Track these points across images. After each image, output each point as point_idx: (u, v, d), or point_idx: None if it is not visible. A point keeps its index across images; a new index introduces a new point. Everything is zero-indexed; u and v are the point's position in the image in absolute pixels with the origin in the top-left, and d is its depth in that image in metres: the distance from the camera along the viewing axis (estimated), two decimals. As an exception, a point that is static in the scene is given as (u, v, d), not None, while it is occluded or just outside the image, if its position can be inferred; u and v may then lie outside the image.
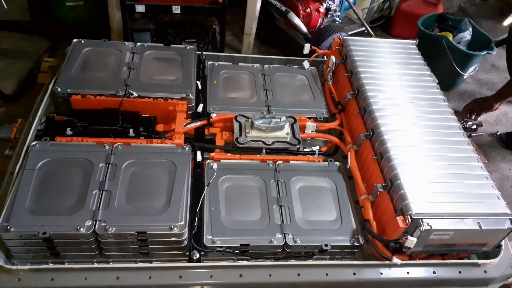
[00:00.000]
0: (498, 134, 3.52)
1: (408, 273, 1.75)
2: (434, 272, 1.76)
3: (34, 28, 3.54)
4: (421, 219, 1.62)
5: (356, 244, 1.78)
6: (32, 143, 1.88)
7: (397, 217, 1.67)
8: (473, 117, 3.34)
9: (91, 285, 1.58)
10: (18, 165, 1.81)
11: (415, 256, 1.82)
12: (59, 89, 2.11)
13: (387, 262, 1.74)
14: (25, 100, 2.93)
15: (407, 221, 1.64)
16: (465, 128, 2.15)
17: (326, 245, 1.74)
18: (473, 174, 1.86)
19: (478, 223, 1.66)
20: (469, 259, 1.90)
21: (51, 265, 1.68)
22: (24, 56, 3.30)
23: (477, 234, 1.68)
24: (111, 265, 1.71)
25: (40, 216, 1.63)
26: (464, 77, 3.67)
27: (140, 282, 1.60)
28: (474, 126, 3.43)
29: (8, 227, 1.57)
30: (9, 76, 3.11)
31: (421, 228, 1.60)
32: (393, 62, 2.41)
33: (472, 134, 3.40)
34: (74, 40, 2.42)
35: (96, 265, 1.71)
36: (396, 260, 1.71)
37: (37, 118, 2.02)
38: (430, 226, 1.61)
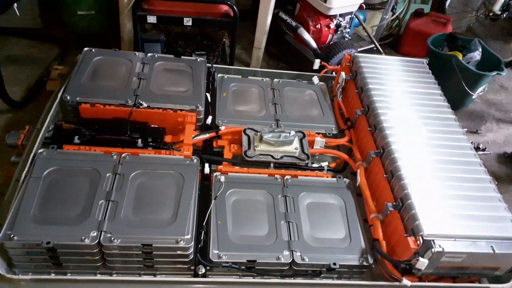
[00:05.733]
0: (507, 155, 3.47)
1: (418, 295, 1.70)
2: (444, 295, 1.72)
3: (44, 35, 3.56)
4: (433, 240, 1.60)
5: (365, 263, 1.74)
6: (39, 151, 1.86)
7: (408, 238, 1.64)
8: None
9: (93, 298, 1.55)
10: (24, 173, 1.79)
11: (425, 278, 1.78)
12: (68, 97, 2.11)
13: (397, 283, 1.70)
14: (33, 107, 2.92)
15: (418, 242, 1.61)
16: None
17: (334, 263, 1.71)
18: (486, 196, 1.83)
19: (492, 246, 1.63)
20: (479, 282, 1.86)
21: (53, 276, 1.65)
22: (34, 63, 3.31)
23: (490, 258, 1.65)
24: (114, 277, 1.68)
25: (45, 226, 1.61)
26: (473, 97, 3.65)
27: (144, 296, 1.57)
28: (481, 145, 3.40)
29: (12, 236, 1.55)
30: (18, 82, 3.11)
31: (433, 250, 1.57)
32: (403, 80, 2.41)
33: (479, 153, 3.35)
34: (85, 48, 2.43)
35: (98, 277, 1.68)
36: (406, 281, 1.67)
37: (45, 126, 2.01)
38: (442, 248, 1.58)
